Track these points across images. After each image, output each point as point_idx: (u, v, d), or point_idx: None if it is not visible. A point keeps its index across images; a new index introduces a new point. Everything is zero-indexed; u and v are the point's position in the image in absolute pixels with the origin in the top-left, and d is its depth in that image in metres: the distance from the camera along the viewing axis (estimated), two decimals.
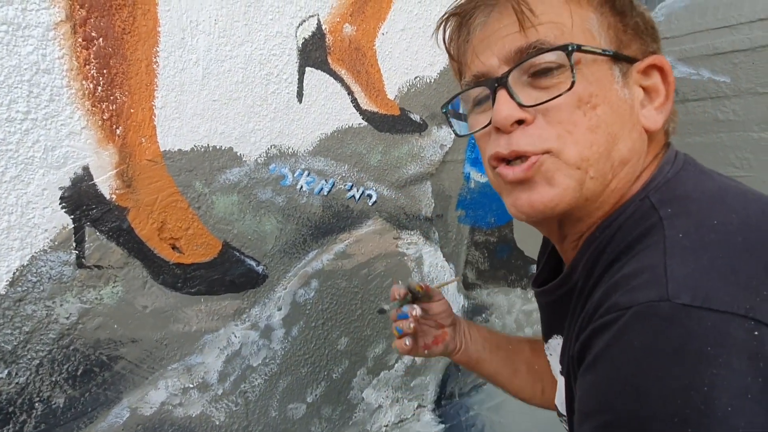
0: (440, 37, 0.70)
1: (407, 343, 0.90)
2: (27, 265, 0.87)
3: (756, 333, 0.42)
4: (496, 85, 0.60)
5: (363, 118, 1.27)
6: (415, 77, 1.37)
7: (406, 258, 1.41)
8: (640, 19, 0.63)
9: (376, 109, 1.30)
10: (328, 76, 1.20)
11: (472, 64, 0.64)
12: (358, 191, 1.27)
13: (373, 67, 1.28)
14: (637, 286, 0.48)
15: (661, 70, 0.62)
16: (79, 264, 0.92)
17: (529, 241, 1.73)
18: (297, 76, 1.15)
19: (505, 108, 0.59)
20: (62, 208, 0.89)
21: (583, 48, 0.57)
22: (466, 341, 0.98)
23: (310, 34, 1.17)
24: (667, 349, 0.43)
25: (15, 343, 0.87)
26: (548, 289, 0.70)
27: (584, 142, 0.58)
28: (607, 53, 0.59)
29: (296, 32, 1.14)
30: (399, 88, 1.34)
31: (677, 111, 0.65)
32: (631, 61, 0.61)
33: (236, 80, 1.06)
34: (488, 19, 0.62)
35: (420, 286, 0.92)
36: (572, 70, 0.57)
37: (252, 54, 1.08)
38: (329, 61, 1.20)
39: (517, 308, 1.75)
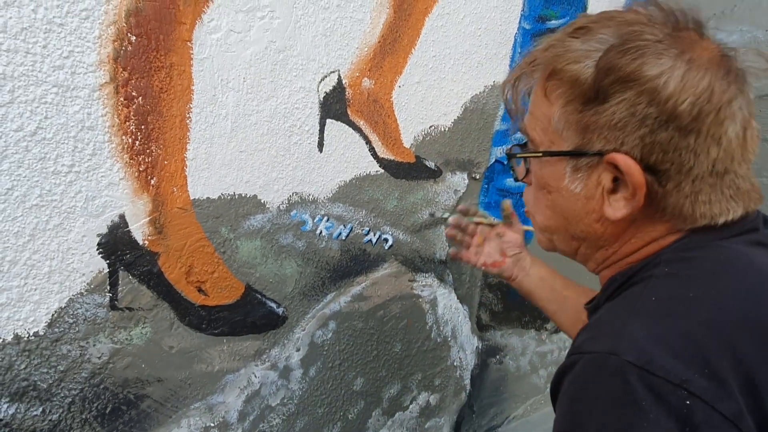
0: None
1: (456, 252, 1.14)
2: (65, 307, 0.93)
3: (688, 402, 0.47)
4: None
5: (380, 166, 1.34)
6: (430, 126, 1.43)
7: (420, 300, 1.44)
8: (630, 103, 0.57)
9: (392, 157, 1.36)
10: (347, 126, 1.27)
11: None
12: (374, 235, 1.33)
13: (390, 117, 1.35)
14: (598, 335, 0.55)
15: (620, 167, 0.59)
16: (112, 306, 0.97)
17: None
18: (318, 128, 1.22)
19: (518, 170, 0.76)
20: (99, 253, 0.95)
21: (517, 155, 0.71)
22: (523, 275, 1.09)
23: (331, 88, 1.24)
24: (609, 396, 0.49)
25: (50, 382, 0.92)
26: (588, 311, 0.75)
27: (544, 214, 0.70)
28: (550, 154, 0.65)
29: (318, 87, 1.21)
30: (415, 137, 1.40)
31: (758, 191, 0.62)
32: (588, 154, 0.61)
33: (262, 132, 1.13)
34: None
35: (507, 209, 1.13)
36: (526, 163, 0.71)
37: (277, 108, 1.15)
38: (349, 112, 1.27)
39: (531, 350, 1.76)
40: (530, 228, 1.20)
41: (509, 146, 0.77)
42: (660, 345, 0.49)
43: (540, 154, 0.66)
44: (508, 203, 1.13)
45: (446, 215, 1.22)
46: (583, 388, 0.52)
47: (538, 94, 0.65)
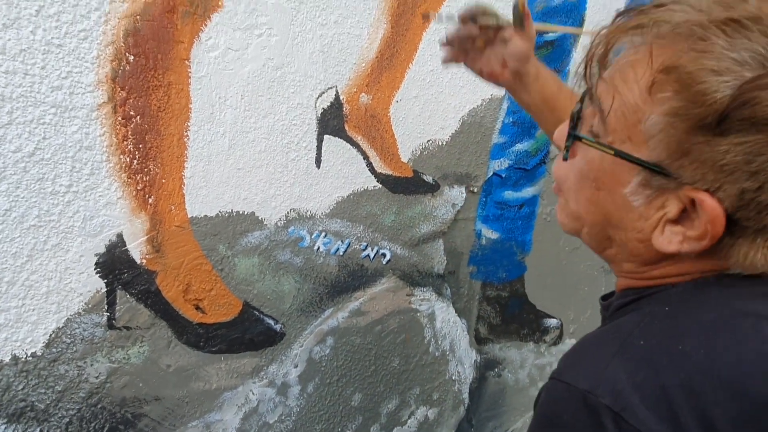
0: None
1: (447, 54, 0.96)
2: (62, 327, 0.92)
3: None
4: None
5: (378, 181, 1.34)
6: (428, 140, 1.43)
7: (419, 314, 1.44)
8: (745, 152, 0.47)
9: (390, 172, 1.37)
10: (344, 142, 1.28)
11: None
12: (372, 251, 1.33)
13: (387, 132, 1.35)
14: (582, 367, 0.54)
15: (702, 209, 0.50)
16: (110, 325, 0.97)
17: (541, 296, 1.76)
18: (316, 144, 1.23)
19: (561, 131, 0.63)
20: (97, 273, 0.95)
21: (583, 141, 0.57)
22: (521, 90, 0.96)
23: (328, 104, 1.24)
24: (580, 431, 0.50)
25: (48, 402, 0.92)
26: (601, 306, 0.72)
27: (583, 205, 0.61)
28: (623, 156, 0.53)
29: (316, 103, 1.22)
30: (412, 151, 1.40)
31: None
32: (671, 176, 0.51)
33: (259, 149, 1.13)
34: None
35: (521, 6, 0.89)
36: (566, 150, 0.61)
37: (274, 125, 1.15)
38: (346, 128, 1.28)
39: (529, 362, 1.76)
40: (551, 27, 1.02)
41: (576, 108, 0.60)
42: (637, 394, 0.49)
43: (612, 152, 0.53)
44: (522, 0, 0.90)
45: (440, 15, 0.98)
46: (557, 415, 0.53)
47: (640, 77, 0.51)
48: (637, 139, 0.52)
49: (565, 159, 0.61)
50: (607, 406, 0.49)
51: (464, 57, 0.97)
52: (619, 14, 0.55)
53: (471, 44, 0.95)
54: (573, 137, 0.58)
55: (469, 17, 0.93)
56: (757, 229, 0.50)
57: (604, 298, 0.74)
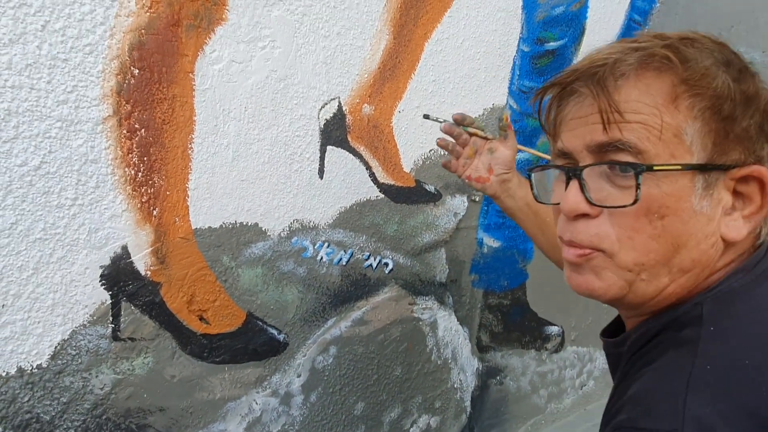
0: (538, 102, 0.69)
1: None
2: (68, 339, 0.93)
3: None
4: (571, 174, 0.61)
5: (380, 191, 1.35)
6: (430, 150, 1.44)
7: (421, 323, 1.45)
8: (757, 120, 0.58)
9: (392, 182, 1.37)
10: (347, 153, 1.28)
11: (562, 138, 0.65)
12: (375, 260, 1.33)
13: (390, 142, 1.36)
14: (656, 411, 0.52)
15: (759, 180, 0.57)
16: (115, 337, 0.98)
17: (543, 303, 1.77)
18: (319, 155, 1.23)
19: (573, 200, 0.60)
20: (102, 285, 0.96)
21: (655, 168, 0.56)
22: (507, 196, 1.07)
23: (331, 115, 1.25)
24: None
25: (53, 414, 0.92)
26: (606, 344, 0.73)
27: (642, 248, 0.58)
28: (689, 167, 0.56)
29: (319, 114, 1.22)
30: (414, 161, 1.41)
31: None
32: (725, 168, 0.57)
33: (263, 161, 1.14)
34: (583, 101, 0.62)
35: (505, 119, 1.06)
36: (637, 189, 0.56)
37: (278, 136, 1.16)
38: (349, 139, 1.29)
39: (531, 370, 1.77)
40: (527, 149, 1.17)
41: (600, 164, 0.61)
42: (725, 424, 0.48)
43: (679, 167, 0.56)
44: (507, 114, 1.07)
45: (438, 120, 1.13)
46: None
47: (659, 100, 0.57)
48: (680, 151, 0.57)
49: (635, 201, 0.57)
50: None
51: (455, 166, 1.11)
52: (570, 75, 0.63)
53: (461, 150, 1.10)
54: (638, 173, 0.56)
55: (461, 119, 1.10)
56: None
57: (606, 334, 0.73)
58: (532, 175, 0.74)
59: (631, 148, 0.57)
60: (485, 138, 1.08)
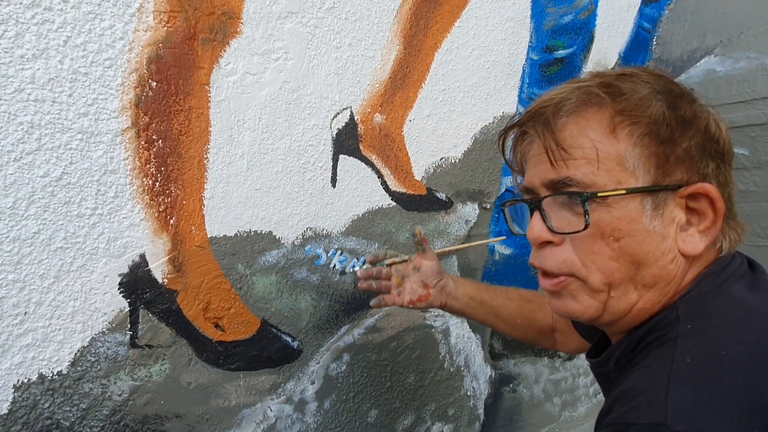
0: (501, 142, 0.76)
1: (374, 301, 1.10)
2: (87, 346, 0.95)
3: None
4: (533, 206, 0.67)
5: (392, 199, 1.36)
6: (441, 158, 1.45)
7: (433, 330, 1.45)
8: (698, 140, 0.62)
9: (404, 190, 1.39)
10: (359, 161, 1.30)
11: (525, 174, 0.71)
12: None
13: (401, 151, 1.37)
14: (639, 405, 0.54)
15: (707, 196, 0.61)
16: (133, 344, 0.99)
17: None
18: (331, 164, 1.25)
19: (536, 229, 0.66)
20: (120, 293, 0.98)
21: (599, 195, 0.61)
22: (451, 299, 1.09)
23: (343, 124, 1.27)
24: None
25: (73, 420, 0.94)
26: (592, 364, 0.76)
27: (606, 269, 0.63)
28: (634, 191, 0.61)
29: (331, 124, 1.24)
30: (426, 169, 1.42)
31: (743, 224, 0.67)
32: (671, 188, 0.61)
33: (277, 170, 1.16)
34: (534, 141, 0.68)
35: (419, 234, 1.10)
36: (586, 215, 0.61)
37: (291, 146, 1.18)
38: (361, 148, 1.30)
39: (544, 378, 1.76)
40: (446, 249, 1.23)
41: (535, 196, 0.68)
42: (707, 410, 0.50)
43: (623, 192, 0.61)
44: (419, 229, 1.12)
45: (353, 270, 1.16)
46: None
47: (599, 132, 0.62)
48: (625, 177, 0.62)
49: (586, 227, 0.62)
50: None
51: (391, 300, 1.10)
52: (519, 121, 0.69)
53: (389, 285, 1.10)
54: (584, 201, 0.62)
55: (375, 260, 1.13)
56: (728, 205, 0.63)
57: (591, 355, 0.76)
58: (505, 210, 0.80)
59: (578, 183, 0.62)
60: (404, 261, 1.11)
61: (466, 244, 1.28)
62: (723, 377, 0.52)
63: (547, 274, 0.67)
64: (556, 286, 0.66)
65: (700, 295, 0.62)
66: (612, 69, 0.69)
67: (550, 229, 0.65)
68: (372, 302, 1.10)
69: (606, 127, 0.62)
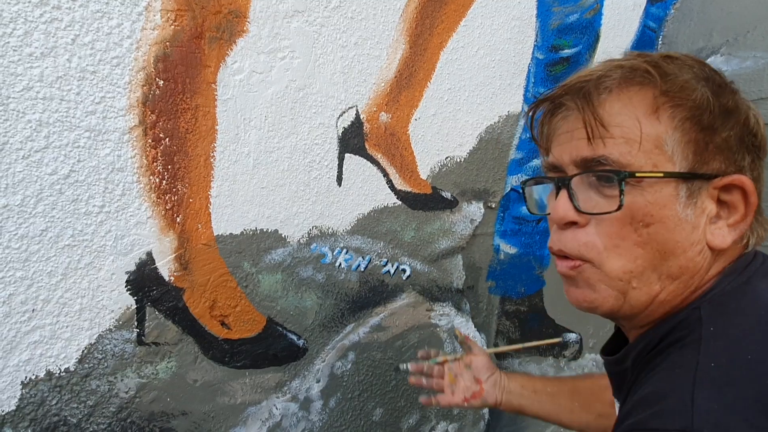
0: (530, 116, 0.72)
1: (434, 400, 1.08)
2: (94, 343, 0.95)
3: None
4: (560, 184, 0.64)
5: (397, 198, 1.36)
6: (446, 157, 1.45)
7: (438, 329, 1.45)
8: (737, 132, 0.60)
9: (409, 189, 1.39)
10: (365, 160, 1.30)
11: (552, 151, 0.68)
12: (393, 266, 1.34)
13: (407, 150, 1.38)
14: (664, 410, 0.52)
15: (741, 189, 0.60)
16: (139, 341, 1.00)
17: (560, 310, 1.76)
18: (337, 162, 1.25)
19: (561, 208, 0.63)
20: (127, 290, 0.98)
21: (637, 175, 0.59)
22: (505, 394, 1.05)
23: (349, 123, 1.27)
24: None
25: (80, 417, 0.94)
26: (607, 362, 0.74)
27: (629, 255, 0.60)
28: (671, 176, 0.59)
29: (337, 123, 1.25)
30: (431, 168, 1.42)
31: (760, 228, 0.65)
32: (707, 177, 0.60)
33: (282, 168, 1.16)
34: (570, 116, 0.64)
35: (459, 335, 1.09)
36: (621, 195, 0.59)
37: (297, 144, 1.18)
38: (366, 146, 1.30)
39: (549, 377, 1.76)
40: (496, 350, 1.24)
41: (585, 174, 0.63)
42: (735, 416, 0.49)
43: (661, 174, 0.58)
44: (458, 331, 1.12)
45: (405, 366, 1.14)
46: None
47: (641, 111, 0.60)
48: (662, 161, 0.59)
49: (620, 207, 0.59)
50: None
51: (445, 400, 1.08)
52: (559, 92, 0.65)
53: (441, 381, 1.09)
54: (621, 180, 0.59)
55: (427, 356, 1.13)
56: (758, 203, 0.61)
57: (606, 352, 0.74)
58: (526, 189, 0.76)
59: (613, 163, 0.60)
60: (456, 359, 1.11)
61: (520, 345, 1.27)
62: (749, 382, 0.51)
63: (565, 257, 0.64)
64: (572, 270, 0.63)
65: (723, 294, 0.60)
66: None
67: (577, 209, 0.62)
68: (422, 399, 1.10)
69: (649, 106, 0.60)
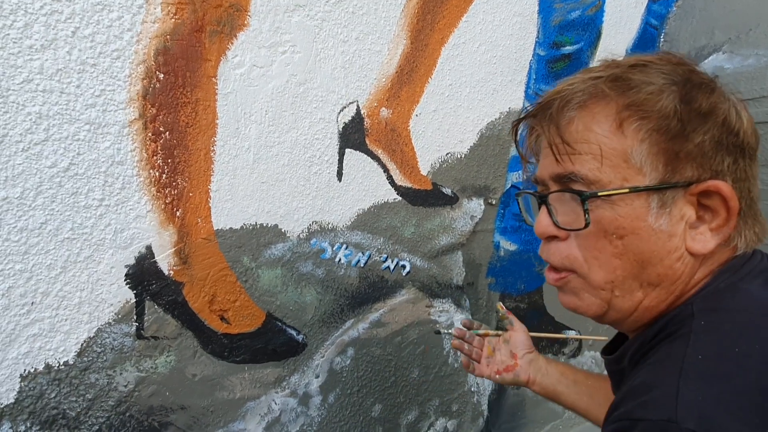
0: (514, 134, 0.75)
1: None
2: (93, 336, 0.95)
3: None
4: (541, 200, 0.67)
5: (398, 194, 1.36)
6: (447, 153, 1.45)
7: (438, 325, 1.45)
8: (713, 134, 0.60)
9: (410, 185, 1.38)
10: (365, 156, 1.30)
11: (537, 165, 0.70)
12: (392, 262, 1.34)
13: (407, 145, 1.37)
14: (649, 401, 0.53)
15: (719, 194, 0.59)
16: (139, 335, 1.00)
17: (560, 307, 1.76)
18: (337, 157, 1.25)
19: (542, 224, 0.66)
20: (127, 284, 0.98)
21: (599, 195, 0.60)
22: (541, 375, 1.04)
23: (350, 118, 1.27)
24: None
25: (78, 410, 0.94)
26: (607, 361, 0.75)
27: (608, 267, 0.62)
28: (636, 190, 0.59)
29: (337, 118, 1.24)
30: (431, 164, 1.42)
31: (766, 222, 0.64)
32: (680, 185, 0.60)
33: (283, 163, 1.16)
34: (542, 135, 0.67)
35: (501, 309, 1.11)
36: (586, 214, 0.61)
37: (297, 139, 1.18)
38: (367, 142, 1.30)
39: None
40: (538, 335, 1.17)
41: (535, 190, 0.69)
42: (718, 408, 0.49)
43: (626, 191, 0.59)
44: (500, 305, 1.12)
45: (448, 331, 1.16)
46: None
47: (605, 127, 0.61)
48: (631, 174, 0.60)
49: (586, 225, 0.61)
50: (693, 430, 0.48)
51: (479, 370, 1.10)
52: (532, 111, 0.67)
53: (480, 351, 1.11)
54: (584, 200, 0.61)
55: (469, 324, 1.13)
56: (746, 201, 0.61)
57: (606, 351, 0.75)
58: (519, 199, 0.81)
59: (583, 179, 0.61)
60: (497, 335, 1.12)
61: (563, 335, 1.26)
62: (735, 375, 0.51)
63: (552, 269, 0.67)
64: (558, 282, 0.67)
65: (716, 291, 0.61)
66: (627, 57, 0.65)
67: (556, 224, 0.65)
68: (463, 359, 1.12)
69: (613, 122, 0.61)
